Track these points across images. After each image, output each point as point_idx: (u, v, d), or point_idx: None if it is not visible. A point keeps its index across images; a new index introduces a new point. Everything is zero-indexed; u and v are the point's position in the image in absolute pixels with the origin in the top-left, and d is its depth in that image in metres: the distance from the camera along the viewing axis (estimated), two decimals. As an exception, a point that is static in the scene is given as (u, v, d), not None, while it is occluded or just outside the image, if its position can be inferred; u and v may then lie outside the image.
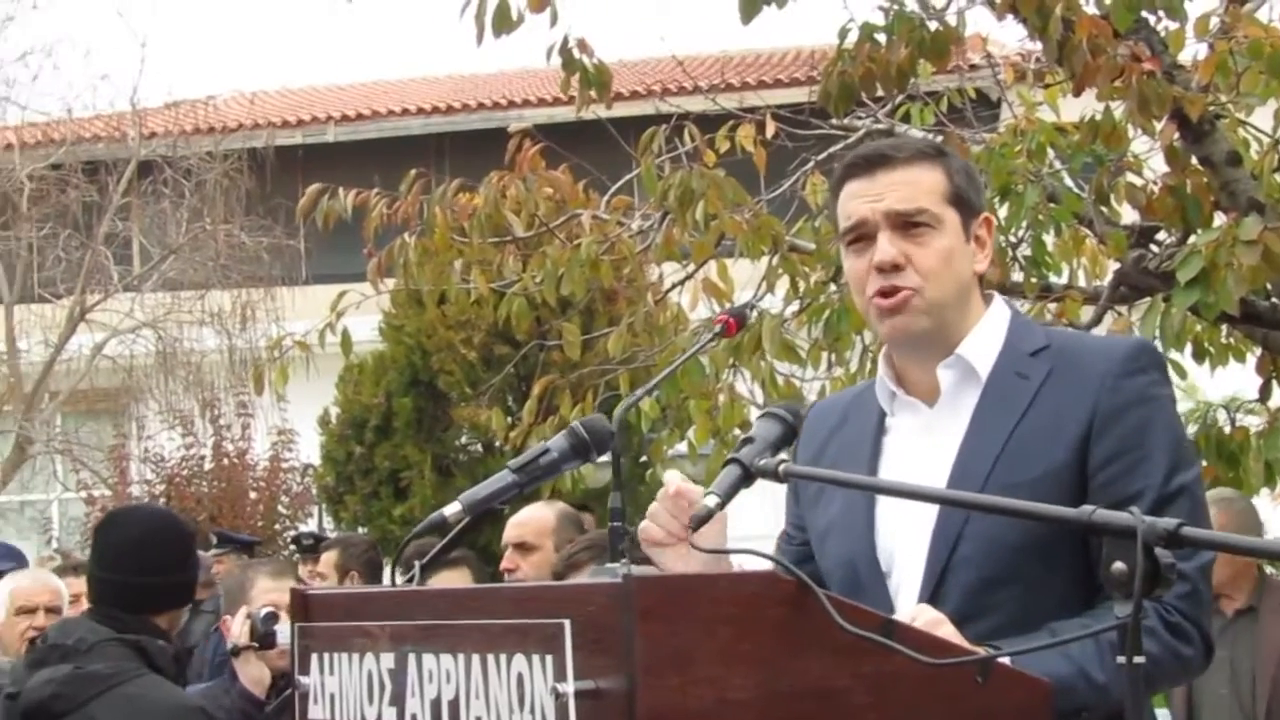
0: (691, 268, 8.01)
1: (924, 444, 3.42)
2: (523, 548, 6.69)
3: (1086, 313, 7.25)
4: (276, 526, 19.42)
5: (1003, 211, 7.07)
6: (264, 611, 5.76)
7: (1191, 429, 7.58)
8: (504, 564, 6.73)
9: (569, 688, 2.55)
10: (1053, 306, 7.08)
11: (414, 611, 3.02)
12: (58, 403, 21.64)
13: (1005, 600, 3.21)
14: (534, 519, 6.79)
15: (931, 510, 3.29)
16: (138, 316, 21.88)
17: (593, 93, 7.64)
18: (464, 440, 17.14)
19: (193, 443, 20.05)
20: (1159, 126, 6.71)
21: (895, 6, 7.07)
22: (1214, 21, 6.99)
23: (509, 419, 9.16)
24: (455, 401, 16.57)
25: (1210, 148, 6.81)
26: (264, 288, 22.19)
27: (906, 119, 8.38)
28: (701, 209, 7.23)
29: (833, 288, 7.45)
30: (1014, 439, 3.30)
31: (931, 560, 3.29)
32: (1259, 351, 7.42)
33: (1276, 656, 7.28)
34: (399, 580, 3.59)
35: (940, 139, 7.43)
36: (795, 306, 7.74)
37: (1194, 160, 6.87)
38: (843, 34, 7.22)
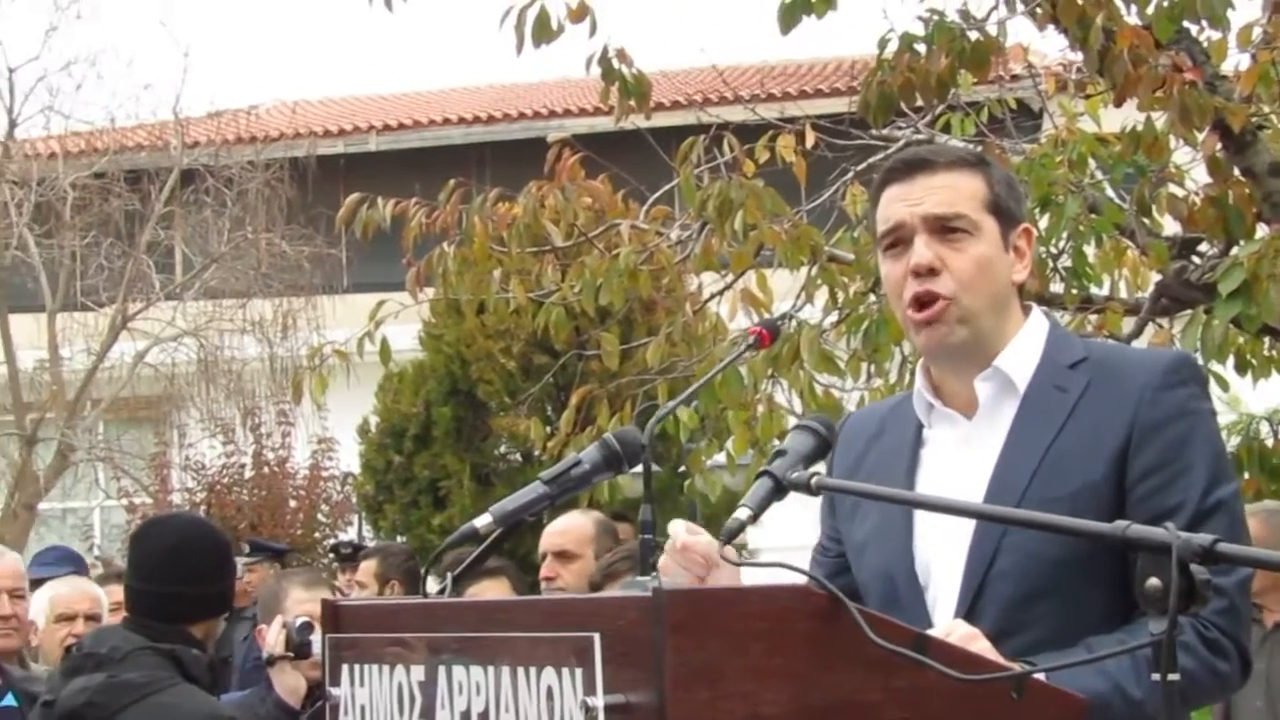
0: (730, 278, 7.99)
1: (961, 457, 3.39)
2: (563, 556, 6.68)
3: (1127, 324, 7.21)
4: (316, 535, 19.45)
5: (1043, 222, 7.03)
6: (299, 621, 5.77)
7: (1234, 441, 7.54)
8: (544, 572, 6.72)
9: (599, 701, 2.53)
10: (1093, 318, 7.05)
11: (445, 623, 3.01)
12: (99, 410, 21.69)
13: (1044, 615, 3.19)
14: (575, 527, 6.78)
15: (969, 523, 3.27)
16: (179, 325, 21.94)
17: (632, 102, 7.63)
18: (503, 450, 17.14)
19: (233, 451, 20.08)
20: (1201, 137, 6.68)
21: (935, 17, 7.04)
22: (1256, 32, 6.96)
23: (547, 428, 9.15)
24: (494, 411, 16.58)
25: (1253, 158, 6.77)
26: (305, 296, 22.22)
27: (947, 129, 8.35)
28: (740, 219, 7.21)
29: (872, 298, 7.42)
30: (1051, 452, 3.27)
31: (968, 574, 3.27)
32: (1302, 364, 7.38)
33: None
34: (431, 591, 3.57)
35: (980, 149, 7.40)
36: (834, 317, 7.72)
37: (1236, 171, 6.83)
38: (882, 44, 7.20)
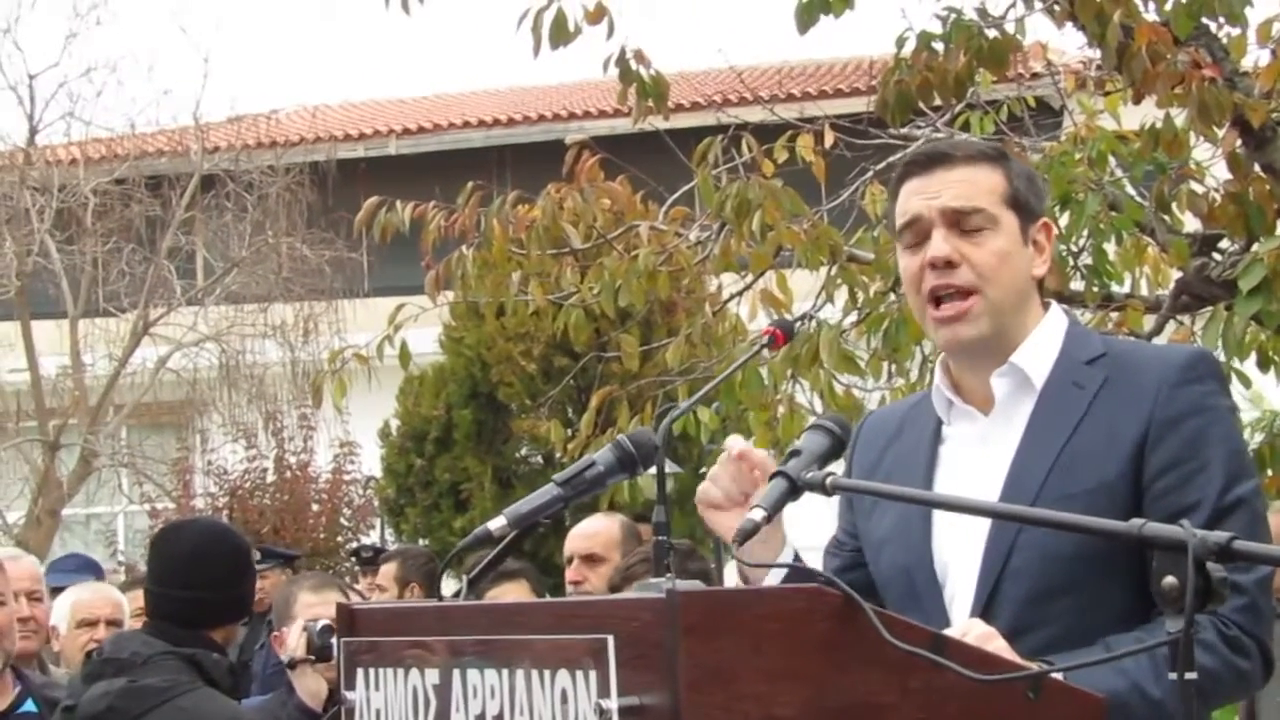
0: (750, 278, 7.98)
1: (979, 454, 3.38)
2: (591, 559, 6.66)
3: (1148, 322, 7.18)
4: (338, 539, 19.49)
5: (1064, 220, 7.01)
6: (321, 624, 5.75)
7: (1256, 438, 7.50)
8: (571, 575, 6.69)
9: (613, 704, 2.52)
10: (1114, 316, 7.02)
11: (459, 627, 2.99)
12: (122, 416, 21.75)
13: (1061, 612, 3.17)
14: (601, 530, 6.76)
15: (986, 521, 3.26)
16: (201, 330, 21.99)
17: (650, 104, 7.62)
18: (524, 452, 17.17)
19: (255, 455, 20.14)
20: (1220, 134, 6.65)
21: (953, 15, 7.02)
22: (1276, 27, 6.93)
23: (568, 430, 9.14)
24: (515, 413, 16.61)
25: (1273, 155, 6.74)
26: (326, 300, 22.26)
27: (966, 128, 8.32)
28: (759, 219, 7.20)
29: (892, 298, 7.40)
30: (1068, 450, 3.25)
31: (984, 572, 3.26)
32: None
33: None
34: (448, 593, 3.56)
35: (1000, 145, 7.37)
36: (854, 317, 7.70)
37: (1256, 167, 6.80)
38: (900, 43, 7.18)
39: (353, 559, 15.01)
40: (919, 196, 3.39)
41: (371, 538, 19.04)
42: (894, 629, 2.59)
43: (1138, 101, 6.74)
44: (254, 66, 50.05)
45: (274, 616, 6.44)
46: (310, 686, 5.80)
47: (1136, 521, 2.54)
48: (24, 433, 21.56)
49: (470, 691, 2.87)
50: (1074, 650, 3.06)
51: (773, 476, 3.03)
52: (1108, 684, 2.93)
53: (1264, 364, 7.19)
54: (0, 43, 31.82)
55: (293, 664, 5.85)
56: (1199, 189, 7.22)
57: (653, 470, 3.21)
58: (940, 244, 3.34)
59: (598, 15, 7.29)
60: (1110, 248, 7.53)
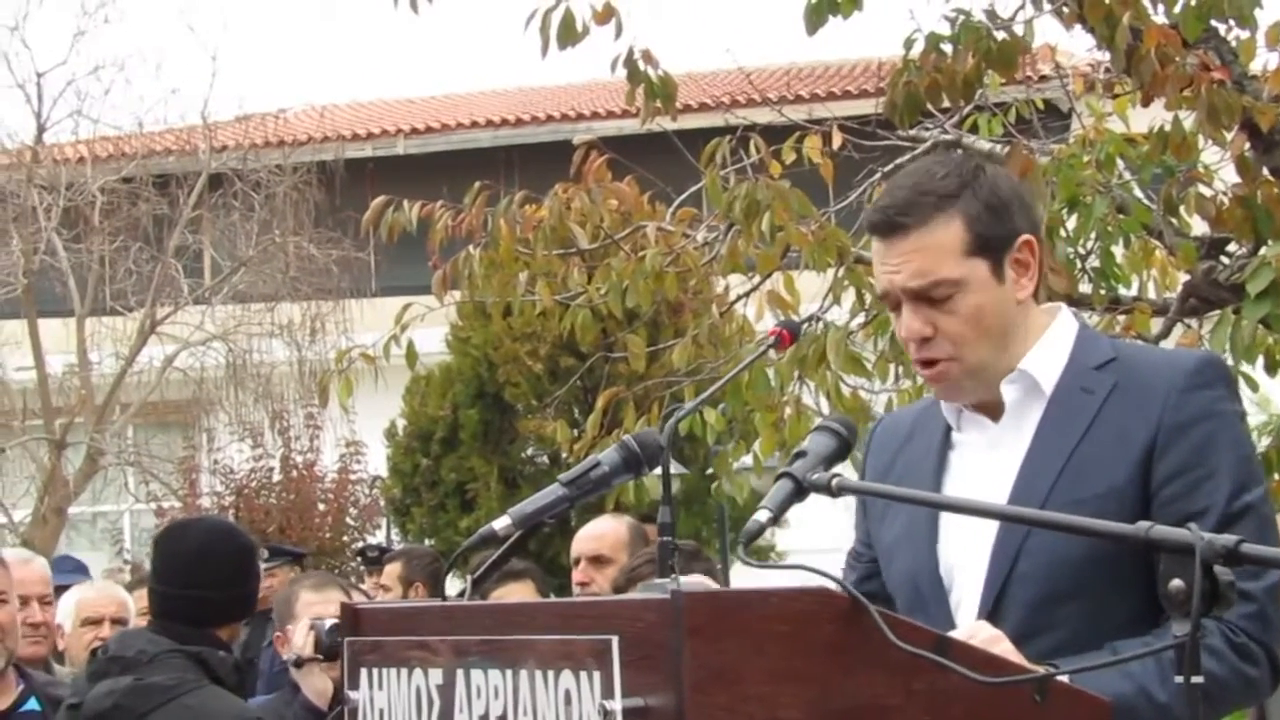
0: (757, 279, 7.96)
1: (988, 459, 3.38)
2: (598, 561, 6.65)
3: (1156, 325, 7.16)
4: (344, 538, 19.49)
5: (1071, 223, 6.99)
6: (329, 623, 5.74)
7: (1264, 442, 7.48)
8: (578, 577, 6.68)
9: (617, 705, 2.51)
10: (1121, 319, 7.01)
11: (463, 627, 2.99)
12: (128, 415, 21.77)
13: (1066, 618, 3.16)
14: (609, 532, 6.76)
15: (994, 526, 3.25)
16: (208, 329, 22.00)
17: (658, 104, 7.61)
18: (530, 452, 17.19)
19: (262, 454, 20.16)
20: (1229, 137, 6.63)
21: (961, 16, 7.01)
22: (1286, 30, 6.91)
23: (574, 431, 9.13)
24: (521, 413, 16.62)
25: (1281, 158, 6.73)
26: (333, 300, 22.27)
27: (974, 130, 8.31)
28: (767, 220, 7.18)
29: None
30: (1076, 455, 3.25)
31: (991, 576, 3.26)
32: (1332, 364, 7.31)
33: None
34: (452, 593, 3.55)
35: (1007, 150, 7.36)
36: (861, 318, 7.68)
37: (1265, 171, 6.79)
38: (908, 44, 7.16)
39: (358, 559, 15.01)
40: (883, 268, 3.37)
41: (377, 537, 19.06)
42: (899, 631, 2.58)
43: (1146, 104, 6.73)
44: (262, 66, 50.10)
45: (275, 616, 6.43)
46: (317, 685, 5.80)
47: (1144, 524, 2.53)
48: (30, 431, 21.57)
49: (474, 692, 2.86)
50: (1081, 654, 3.05)
51: (778, 478, 3.03)
52: (1114, 688, 2.92)
53: (1271, 368, 7.17)
54: (8, 40, 31.87)
55: (299, 662, 5.84)
56: (1207, 192, 7.20)
57: (658, 471, 3.20)
58: (910, 322, 3.34)
59: (606, 16, 7.28)
60: (1118, 250, 7.51)
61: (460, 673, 2.90)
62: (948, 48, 7.03)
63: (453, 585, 4.02)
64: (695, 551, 6.06)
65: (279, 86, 56.99)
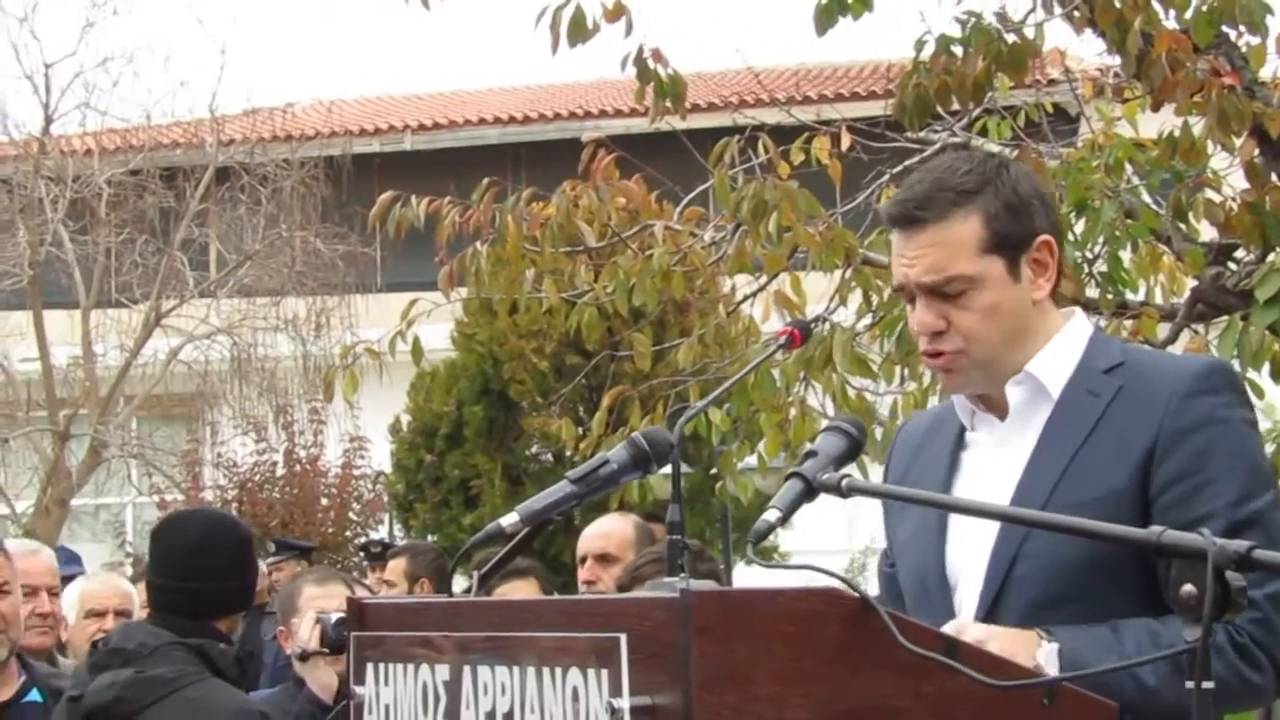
0: (764, 280, 7.96)
1: (996, 460, 3.38)
2: (605, 559, 6.63)
3: (1163, 330, 7.16)
4: (347, 534, 19.49)
5: (1079, 227, 6.98)
6: (335, 617, 5.74)
7: (1268, 449, 7.47)
8: (585, 575, 6.66)
9: (624, 703, 2.51)
10: (1128, 324, 7.00)
11: (470, 623, 2.99)
12: (132, 407, 21.76)
13: (1064, 620, 3.15)
14: (616, 530, 6.74)
15: (997, 527, 3.25)
16: (213, 322, 22.00)
17: (668, 103, 7.60)
18: (534, 450, 17.18)
19: (265, 449, 20.15)
20: (1238, 143, 6.63)
21: (972, 19, 7.01)
22: (1296, 37, 6.91)
23: (579, 429, 9.12)
24: (526, 411, 16.62)
25: (1290, 165, 6.73)
26: (339, 295, 22.27)
27: (984, 133, 8.31)
28: (775, 221, 7.17)
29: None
30: (1078, 458, 3.25)
31: (989, 578, 3.27)
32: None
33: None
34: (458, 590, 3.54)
35: (1016, 154, 7.35)
36: (868, 320, 7.68)
37: (1274, 177, 6.78)
38: (919, 46, 7.16)
39: (361, 554, 15.01)
40: (900, 260, 3.39)
41: (380, 533, 19.06)
42: (908, 633, 2.58)
43: (1156, 109, 6.72)
44: (270, 60, 50.13)
45: (278, 611, 6.42)
46: (322, 679, 5.79)
47: (1156, 529, 2.53)
48: (34, 422, 21.56)
49: (481, 688, 2.86)
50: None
51: (788, 477, 3.02)
52: (1099, 663, 2.92)
53: (1277, 374, 7.17)
54: (17, 32, 31.89)
55: (304, 656, 5.84)
56: (1216, 198, 7.19)
57: (664, 470, 3.20)
58: (923, 315, 3.36)
59: (616, 13, 7.27)
60: (1126, 255, 7.50)
61: (467, 669, 2.90)
62: (958, 50, 7.02)
63: (458, 582, 4.02)
64: (700, 551, 6.05)
65: (287, 80, 57.04)
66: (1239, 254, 7.38)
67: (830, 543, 16.35)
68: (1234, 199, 7.05)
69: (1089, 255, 7.34)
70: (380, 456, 19.41)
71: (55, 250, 21.55)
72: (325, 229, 22.36)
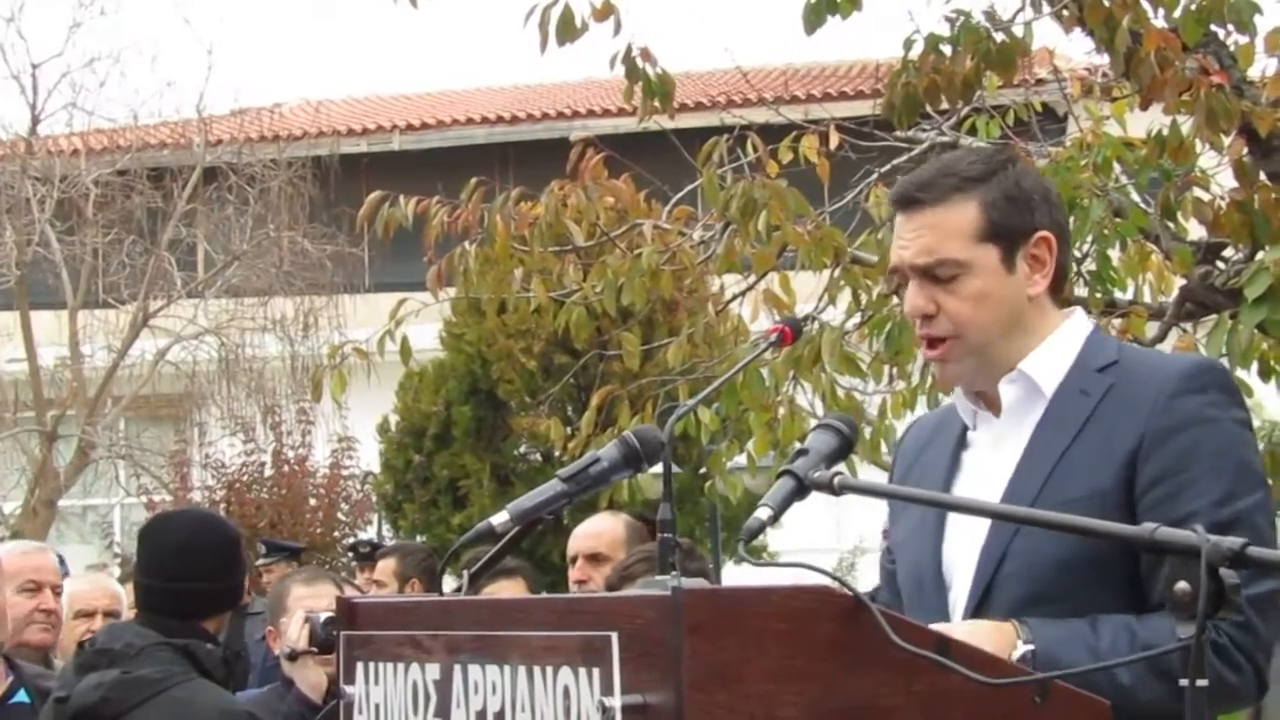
0: (753, 279, 7.96)
1: (992, 458, 3.39)
2: (596, 559, 6.61)
3: (1151, 329, 7.16)
4: (336, 534, 19.47)
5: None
6: (324, 616, 5.73)
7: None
8: (576, 575, 6.65)
9: (615, 702, 2.50)
10: (1117, 323, 7.00)
11: (461, 622, 2.98)
12: (120, 408, 21.73)
13: (1050, 617, 3.13)
14: (607, 530, 6.72)
15: (989, 525, 3.25)
16: (201, 322, 21.98)
17: (656, 102, 7.59)
18: (523, 450, 17.18)
19: (253, 449, 20.12)
20: (1227, 141, 6.63)
21: (961, 18, 7.00)
22: (1285, 36, 6.90)
23: (568, 429, 9.11)
24: (514, 410, 16.60)
25: (1279, 163, 6.72)
26: (327, 295, 22.25)
27: (973, 132, 8.31)
28: (764, 219, 7.17)
29: (895, 300, 7.38)
30: (1067, 457, 3.25)
31: (978, 576, 3.27)
32: (1327, 371, 7.30)
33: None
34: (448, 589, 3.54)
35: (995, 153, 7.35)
36: (857, 319, 7.68)
37: (1262, 176, 6.78)
38: (908, 45, 7.16)
39: (349, 554, 14.99)
40: (898, 242, 3.41)
41: (369, 533, 19.05)
42: (901, 631, 2.57)
43: (1145, 107, 6.72)
44: (258, 60, 50.07)
45: (267, 612, 6.41)
46: (311, 678, 5.78)
47: (1149, 525, 2.52)
48: (21, 423, 21.54)
49: (471, 687, 2.85)
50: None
51: (780, 475, 3.02)
52: (1077, 661, 2.93)
53: (1265, 374, 7.16)
54: (4, 31, 31.88)
55: (293, 655, 5.82)
56: (1204, 196, 7.19)
57: (654, 469, 3.19)
58: (914, 297, 3.37)
59: (605, 12, 7.27)
60: (1114, 254, 7.50)
61: (458, 668, 2.89)
62: (947, 49, 7.02)
63: (447, 582, 4.01)
64: (690, 550, 6.04)
65: (275, 81, 57.03)
66: (1227, 253, 7.39)
67: (819, 542, 16.37)
68: (1222, 198, 7.05)
69: (1077, 254, 7.34)
70: (368, 457, 19.39)
71: (42, 251, 21.51)
72: (313, 229, 22.34)
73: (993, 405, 3.43)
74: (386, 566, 8.85)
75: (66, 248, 21.69)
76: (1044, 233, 3.40)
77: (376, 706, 3.13)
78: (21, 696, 5.72)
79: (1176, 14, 6.57)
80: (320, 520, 19.44)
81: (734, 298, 8.36)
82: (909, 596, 3.40)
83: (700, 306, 8.48)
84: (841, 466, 3.10)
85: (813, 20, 7.10)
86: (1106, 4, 6.52)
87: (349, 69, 59.36)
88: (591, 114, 24.92)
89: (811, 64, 25.88)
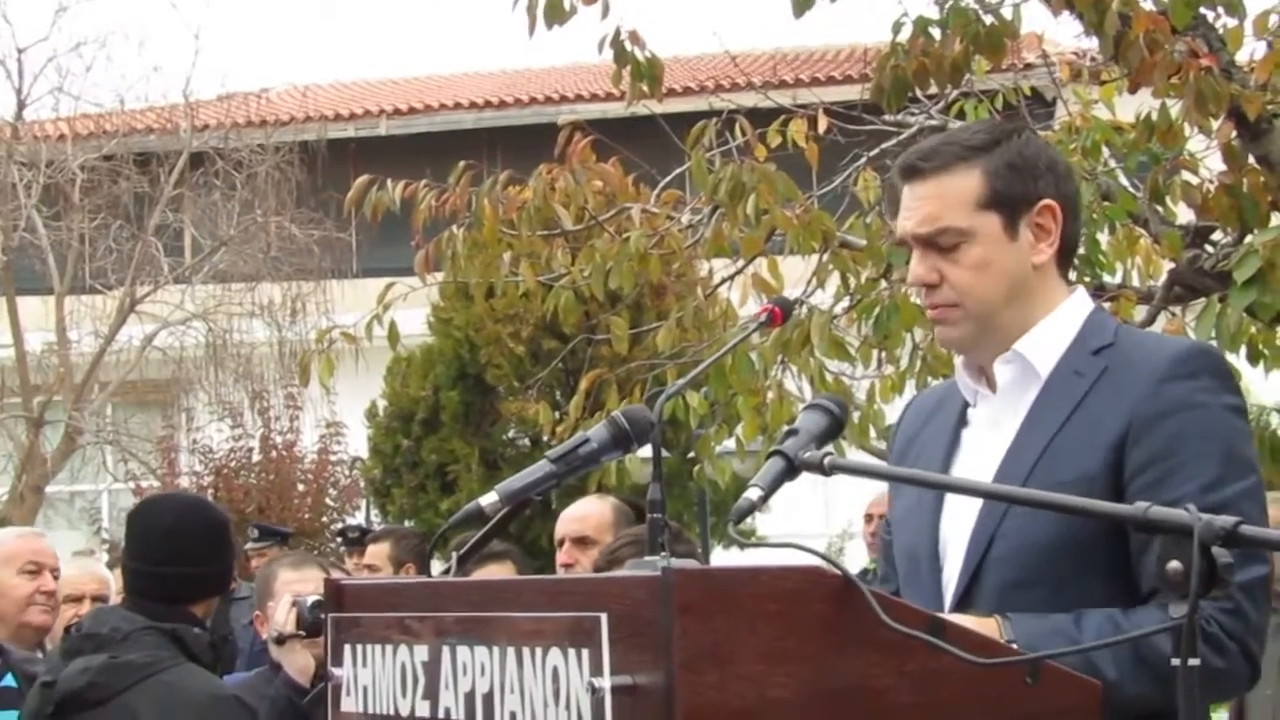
0: (741, 263, 7.95)
1: (988, 438, 3.38)
2: (583, 542, 6.59)
3: (1140, 313, 7.16)
4: (324, 519, 19.45)
5: (1056, 209, 6.96)
6: (311, 599, 5.71)
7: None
8: (562, 558, 6.63)
9: (605, 683, 2.50)
10: (1106, 306, 6.99)
11: (449, 604, 2.97)
12: (107, 393, 21.68)
13: (1034, 602, 3.13)
14: (594, 513, 6.70)
15: (981, 506, 3.24)
16: (188, 308, 21.92)
17: (644, 86, 7.58)
18: (511, 434, 17.17)
19: (241, 434, 20.10)
20: (1216, 125, 6.62)
21: (950, 0, 6.99)
22: (1273, 19, 6.90)
23: (556, 413, 9.10)
24: (503, 395, 16.59)
25: (1268, 146, 6.72)
26: (314, 280, 22.22)
27: (961, 116, 8.30)
28: (752, 203, 7.17)
29: (883, 284, 7.38)
30: (1057, 440, 3.23)
31: (968, 558, 3.27)
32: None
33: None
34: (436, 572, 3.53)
35: (994, 126, 7.34)
36: (845, 303, 7.67)
37: (1251, 159, 6.77)
38: (896, 27, 7.15)
39: (338, 539, 14.98)
40: (902, 213, 3.41)
41: (357, 518, 19.03)
42: (892, 611, 2.57)
43: (1134, 91, 6.71)
44: (245, 44, 49.98)
45: (255, 596, 6.39)
46: (299, 662, 5.76)
47: (1142, 504, 2.52)
48: (8, 409, 21.50)
49: (460, 669, 2.84)
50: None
51: (770, 455, 3.01)
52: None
53: (1254, 357, 7.16)
54: (-11, 17, 31.73)
55: (281, 639, 5.80)
56: (1193, 180, 7.19)
57: (643, 451, 3.18)
58: (916, 267, 3.37)
59: (594, -5, 7.25)
60: (1103, 238, 7.51)
61: (446, 650, 2.88)
62: (935, 32, 7.02)
63: (436, 565, 4.00)
64: (678, 533, 6.02)
65: (262, 65, 56.89)
66: (1216, 236, 7.38)
67: (808, 526, 16.37)
68: (1211, 181, 7.05)
69: (1066, 238, 7.33)
70: (357, 442, 19.37)
71: (29, 236, 21.46)
72: (300, 214, 22.30)
73: (993, 383, 3.42)
74: (380, 551, 8.82)
75: (53, 233, 21.63)
76: (1048, 201, 3.38)
77: (365, 689, 3.12)
78: (9, 681, 5.72)
79: (1165, -3, 6.57)
80: (308, 506, 19.43)
81: (722, 282, 8.36)
82: (905, 575, 3.40)
83: (689, 291, 8.46)
84: (831, 447, 3.09)
85: (801, 3, 7.09)
86: (1095, -14, 6.51)
87: (336, 54, 59.31)
88: (580, 98, 24.91)
89: (800, 48, 25.87)
